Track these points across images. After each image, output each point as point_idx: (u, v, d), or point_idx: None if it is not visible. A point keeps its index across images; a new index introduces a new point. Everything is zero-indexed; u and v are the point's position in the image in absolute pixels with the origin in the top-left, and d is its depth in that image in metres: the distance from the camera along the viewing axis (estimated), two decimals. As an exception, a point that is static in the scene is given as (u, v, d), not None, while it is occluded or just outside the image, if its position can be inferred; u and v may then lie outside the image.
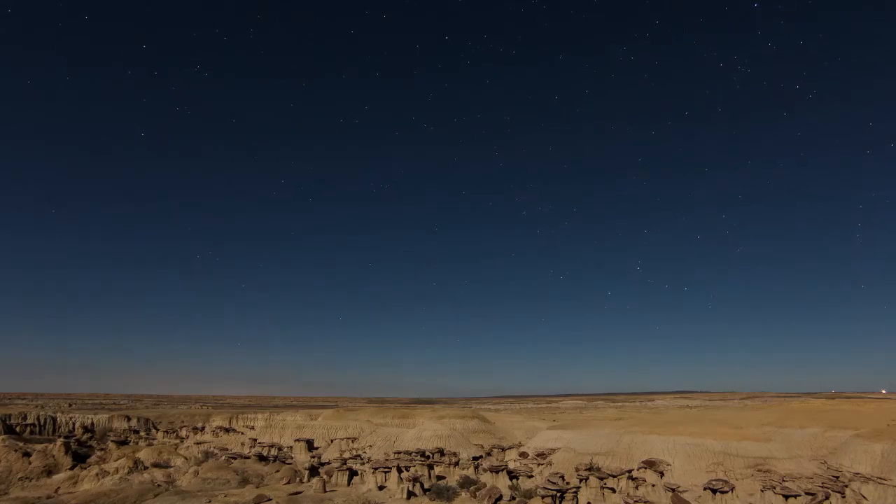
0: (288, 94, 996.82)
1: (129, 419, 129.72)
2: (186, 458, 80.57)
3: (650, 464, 59.63)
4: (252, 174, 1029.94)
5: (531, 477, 62.24)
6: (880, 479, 56.26)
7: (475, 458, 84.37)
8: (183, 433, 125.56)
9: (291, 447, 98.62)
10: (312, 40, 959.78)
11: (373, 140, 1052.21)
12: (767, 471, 57.06)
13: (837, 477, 58.27)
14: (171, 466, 72.70)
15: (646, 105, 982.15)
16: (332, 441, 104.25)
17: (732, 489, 50.13)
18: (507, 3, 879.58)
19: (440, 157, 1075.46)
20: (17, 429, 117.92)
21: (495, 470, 60.41)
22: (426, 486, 57.35)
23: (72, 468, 70.83)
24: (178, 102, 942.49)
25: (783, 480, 53.52)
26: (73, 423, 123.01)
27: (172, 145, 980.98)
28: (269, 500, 50.41)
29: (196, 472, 64.05)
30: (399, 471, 59.99)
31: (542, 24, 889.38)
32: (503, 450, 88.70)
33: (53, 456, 75.57)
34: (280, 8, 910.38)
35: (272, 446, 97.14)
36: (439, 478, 64.60)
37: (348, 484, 61.65)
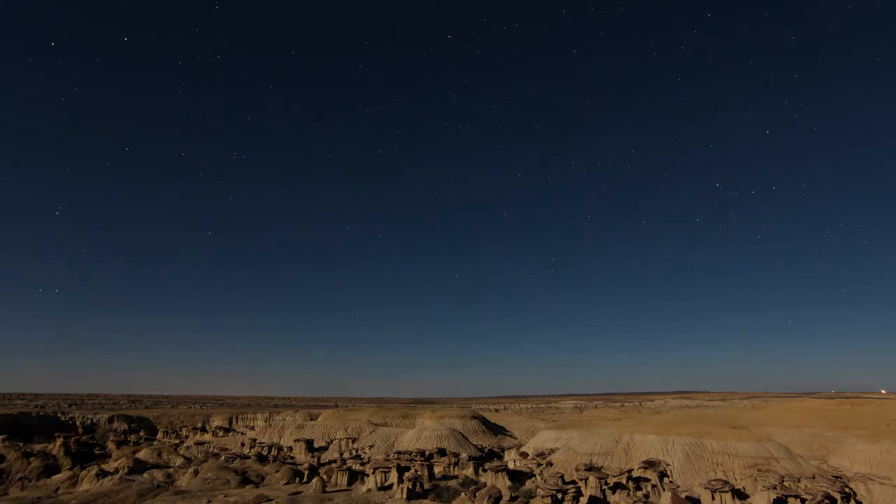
0: (318, 141, 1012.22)
1: (129, 419, 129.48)
2: (186, 458, 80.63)
3: (650, 464, 59.57)
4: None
5: (531, 477, 62.18)
6: (880, 479, 56.32)
7: (475, 458, 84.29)
8: (183, 433, 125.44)
9: (291, 447, 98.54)
10: (325, 85, 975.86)
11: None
12: (767, 471, 56.97)
13: (838, 477, 58.22)
14: (171, 466, 72.76)
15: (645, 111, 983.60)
16: (332, 441, 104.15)
17: (732, 489, 50.10)
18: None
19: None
20: (17, 428, 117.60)
21: (495, 470, 60.36)
22: (426, 486, 57.31)
23: (71, 468, 70.79)
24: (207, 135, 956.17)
25: (783, 480, 53.43)
26: (73, 423, 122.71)
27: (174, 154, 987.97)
28: (270, 500, 50.39)
29: (196, 472, 64.06)
30: (399, 471, 59.94)
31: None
32: (503, 450, 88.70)
33: (53, 456, 75.59)
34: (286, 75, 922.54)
35: (272, 446, 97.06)
36: (439, 478, 64.55)
37: (348, 484, 61.63)
